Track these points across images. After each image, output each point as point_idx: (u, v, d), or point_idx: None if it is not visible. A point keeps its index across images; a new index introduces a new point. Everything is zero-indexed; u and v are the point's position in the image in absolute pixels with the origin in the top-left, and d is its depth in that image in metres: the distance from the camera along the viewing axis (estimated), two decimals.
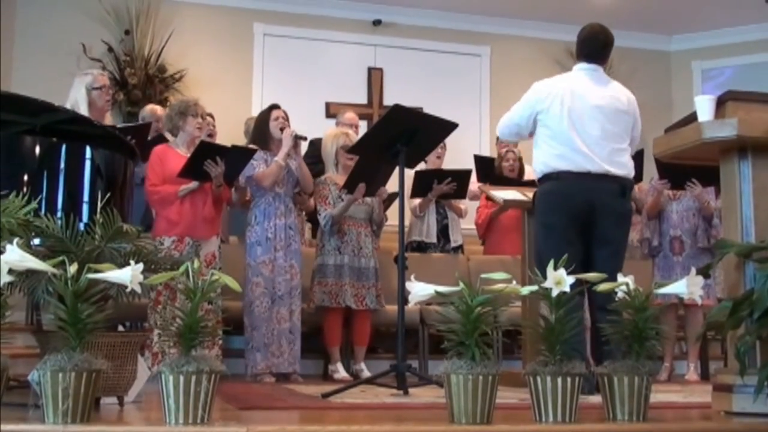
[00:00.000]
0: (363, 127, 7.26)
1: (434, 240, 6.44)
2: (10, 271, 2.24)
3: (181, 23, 7.75)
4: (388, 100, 7.91)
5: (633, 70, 8.51)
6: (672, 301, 5.25)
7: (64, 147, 3.40)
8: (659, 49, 9.04)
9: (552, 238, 3.95)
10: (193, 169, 4.82)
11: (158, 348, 4.60)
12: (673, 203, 5.70)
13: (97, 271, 2.32)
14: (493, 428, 2.33)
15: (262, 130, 5.29)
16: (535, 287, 2.48)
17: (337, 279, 5.29)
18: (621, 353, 2.57)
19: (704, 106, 2.86)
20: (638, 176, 5.08)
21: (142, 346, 4.43)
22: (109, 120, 5.05)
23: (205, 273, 2.42)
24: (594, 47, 4.22)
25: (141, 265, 2.34)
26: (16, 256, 2.25)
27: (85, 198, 3.38)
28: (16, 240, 2.30)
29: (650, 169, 5.70)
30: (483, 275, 2.47)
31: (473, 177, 6.54)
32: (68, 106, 4.63)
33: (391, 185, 5.51)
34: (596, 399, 2.78)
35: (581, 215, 3.96)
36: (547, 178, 4.05)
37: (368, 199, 5.42)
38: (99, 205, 3.11)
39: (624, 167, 4.04)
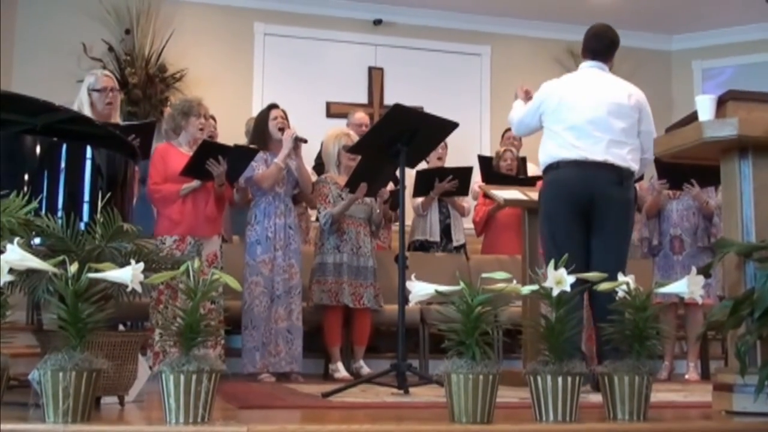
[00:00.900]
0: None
1: (437, 239, 6.44)
2: (11, 271, 2.24)
3: (181, 23, 7.75)
4: (389, 100, 7.91)
5: (634, 69, 8.47)
6: (672, 301, 5.25)
7: (64, 146, 3.40)
8: (660, 49, 9.04)
9: (555, 226, 4.07)
10: (196, 168, 4.82)
11: (160, 347, 4.60)
12: (673, 202, 5.70)
13: (97, 270, 2.32)
14: (493, 428, 2.33)
15: (261, 130, 5.29)
16: (535, 287, 2.48)
17: (336, 277, 5.30)
18: (621, 352, 2.57)
19: (705, 106, 2.86)
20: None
21: (143, 345, 4.43)
22: (116, 121, 4.99)
23: (207, 272, 2.42)
24: (600, 45, 4.34)
25: (141, 265, 2.34)
26: (16, 255, 2.25)
27: (86, 197, 3.38)
28: (16, 239, 2.30)
29: (652, 167, 5.70)
30: (483, 275, 2.47)
31: (477, 176, 6.55)
32: (75, 105, 4.63)
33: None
34: (597, 398, 2.77)
35: (582, 203, 4.05)
36: (549, 168, 4.17)
37: (367, 199, 5.43)
38: (99, 204, 3.10)
39: (623, 159, 4.10)
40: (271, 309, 5.02)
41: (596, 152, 4.04)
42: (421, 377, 4.14)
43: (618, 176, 4.07)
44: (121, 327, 5.19)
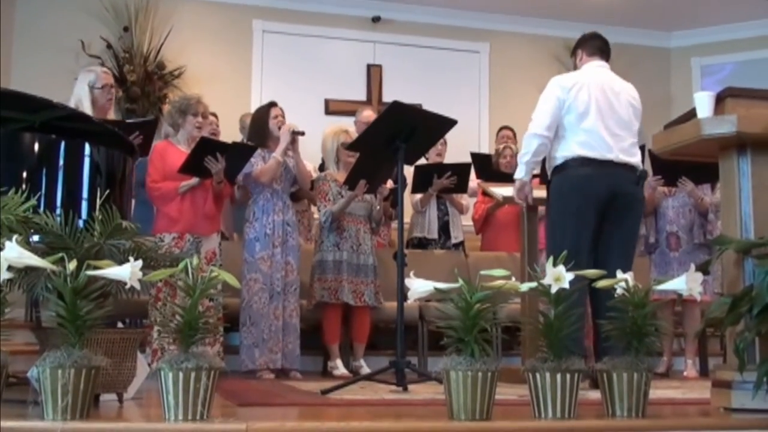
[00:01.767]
0: None
1: (435, 236, 6.45)
2: (9, 268, 2.25)
3: (180, 20, 7.74)
4: (387, 97, 7.90)
5: (632, 66, 8.47)
6: (671, 297, 5.25)
7: (63, 144, 3.40)
8: (659, 46, 9.03)
9: (572, 222, 4.03)
10: (194, 165, 4.82)
11: (158, 345, 4.60)
12: (669, 199, 5.72)
13: (96, 267, 2.32)
14: (492, 424, 2.33)
15: (260, 128, 5.29)
16: (534, 284, 2.48)
17: (336, 275, 5.30)
18: (620, 349, 2.57)
19: (704, 103, 2.86)
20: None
21: (142, 342, 4.44)
22: (112, 117, 5.02)
23: (206, 270, 2.42)
24: (602, 44, 4.37)
25: (140, 262, 2.34)
26: (15, 253, 2.25)
27: (84, 195, 3.38)
28: (15, 237, 2.30)
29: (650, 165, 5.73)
30: (482, 272, 2.48)
31: (472, 174, 6.54)
32: (72, 102, 4.64)
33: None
34: (595, 395, 2.78)
35: (602, 202, 4.04)
36: (569, 164, 4.10)
37: (367, 197, 5.43)
38: (98, 201, 3.10)
39: (638, 160, 4.18)
40: (269, 306, 5.02)
41: (618, 153, 4.06)
42: (420, 374, 4.14)
43: (636, 176, 4.13)
44: (119, 324, 5.19)
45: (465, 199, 6.60)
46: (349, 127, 5.89)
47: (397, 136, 4.05)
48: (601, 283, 2.60)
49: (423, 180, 6.25)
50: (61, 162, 3.38)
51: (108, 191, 3.31)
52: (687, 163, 5.06)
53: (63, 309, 2.24)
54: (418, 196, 6.40)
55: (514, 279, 2.52)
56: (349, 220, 5.39)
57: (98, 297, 2.33)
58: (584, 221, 4.02)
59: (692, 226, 5.64)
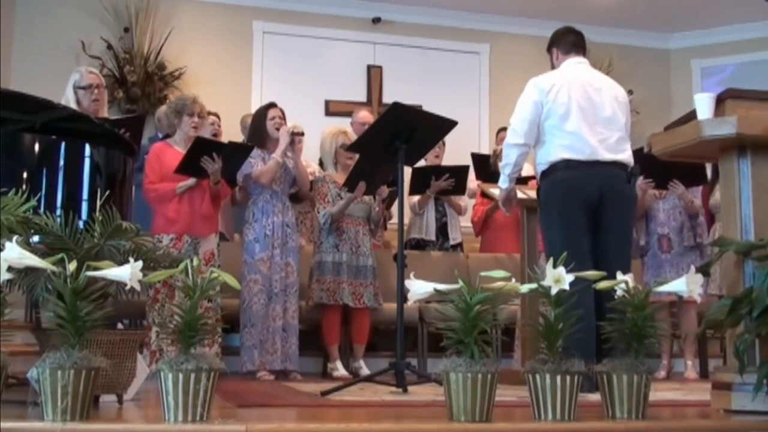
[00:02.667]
0: None
1: (433, 237, 6.45)
2: (10, 269, 2.24)
3: (180, 21, 7.74)
4: (388, 98, 7.90)
5: (632, 67, 8.52)
6: (670, 299, 5.25)
7: (63, 144, 3.40)
8: (659, 47, 9.03)
9: (565, 228, 3.97)
10: (190, 165, 4.81)
11: (156, 346, 4.60)
12: (660, 202, 5.74)
13: (96, 268, 2.32)
14: (492, 426, 2.33)
15: (258, 129, 5.29)
16: (534, 285, 2.48)
17: (336, 276, 5.30)
18: (620, 351, 2.57)
19: (704, 104, 2.86)
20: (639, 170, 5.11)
21: (140, 344, 4.43)
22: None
23: (204, 271, 2.42)
24: (576, 38, 4.30)
25: (140, 263, 2.34)
26: (15, 253, 2.25)
27: (85, 195, 3.38)
28: (15, 237, 2.30)
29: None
30: (482, 273, 2.47)
31: (472, 175, 6.54)
32: (62, 102, 4.62)
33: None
34: (595, 397, 2.77)
35: (592, 202, 3.99)
36: (555, 168, 4.05)
37: (366, 198, 5.43)
38: (98, 202, 3.10)
39: (629, 156, 4.10)
40: (268, 307, 5.02)
41: (605, 152, 4.00)
42: (420, 376, 4.14)
43: (627, 174, 4.07)
44: (119, 325, 5.19)
45: (463, 201, 6.60)
46: (348, 128, 5.88)
47: (397, 138, 4.05)
48: (602, 285, 2.60)
49: (420, 182, 6.25)
50: (62, 163, 3.38)
51: (108, 192, 3.31)
52: (677, 165, 5.09)
53: (63, 310, 2.24)
54: (416, 197, 6.40)
55: (513, 280, 2.52)
56: (348, 221, 5.39)
57: (98, 298, 2.33)
58: (577, 224, 3.96)
59: (682, 228, 5.66)
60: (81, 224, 2.92)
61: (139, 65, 7.46)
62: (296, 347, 5.10)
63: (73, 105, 4.67)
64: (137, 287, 2.37)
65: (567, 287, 2.41)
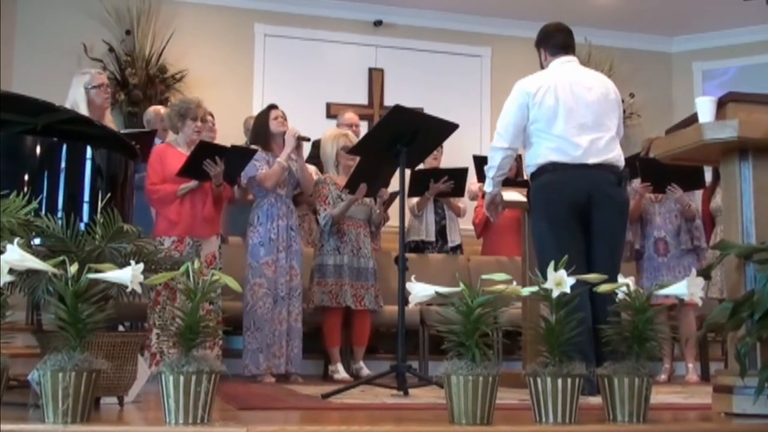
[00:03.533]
0: (364, 127, 7.27)
1: (433, 239, 6.45)
2: (11, 271, 2.24)
3: (182, 23, 7.75)
4: (389, 101, 7.91)
5: (634, 71, 8.52)
6: (671, 302, 5.25)
7: (64, 147, 3.41)
8: (660, 50, 9.04)
9: (553, 231, 3.94)
10: (192, 168, 4.82)
11: (157, 348, 4.59)
12: (656, 205, 5.74)
13: (97, 271, 2.32)
14: (493, 429, 2.33)
15: (261, 131, 5.29)
16: (535, 288, 2.48)
17: (337, 279, 5.30)
18: (621, 354, 2.57)
19: (705, 108, 2.86)
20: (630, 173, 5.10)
21: (141, 346, 4.43)
22: (109, 118, 5.04)
23: (206, 273, 2.42)
24: (564, 38, 4.25)
25: (141, 265, 2.34)
26: (16, 255, 2.25)
27: (86, 198, 3.38)
28: (16, 240, 2.30)
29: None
30: (483, 276, 2.47)
31: (473, 178, 6.54)
32: (68, 106, 4.63)
33: (392, 185, 5.52)
34: (596, 400, 2.77)
35: (580, 205, 3.94)
36: (543, 170, 4.02)
37: (367, 200, 5.43)
38: (99, 205, 3.10)
39: (618, 157, 4.05)
40: (274, 310, 5.01)
41: (594, 154, 3.95)
42: (421, 378, 4.14)
43: (617, 177, 4.01)
44: (120, 328, 5.19)
45: (462, 203, 6.60)
46: (348, 131, 5.88)
47: (398, 140, 4.05)
48: (603, 288, 2.60)
49: (419, 184, 6.26)
50: (63, 165, 3.38)
51: (109, 194, 3.31)
52: (675, 169, 5.09)
53: (64, 312, 2.24)
54: (415, 200, 6.40)
55: (515, 283, 2.52)
56: (350, 223, 5.39)
57: (99, 300, 2.33)
58: (564, 227, 3.92)
59: (679, 231, 5.66)
60: (82, 226, 2.92)
61: (140, 68, 7.46)
62: (299, 350, 5.09)
63: (83, 106, 4.71)
64: (138, 290, 2.37)
65: (568, 290, 2.41)
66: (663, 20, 8.57)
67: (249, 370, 4.95)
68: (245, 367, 4.95)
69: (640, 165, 5.58)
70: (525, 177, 6.50)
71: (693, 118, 2.96)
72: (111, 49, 7.50)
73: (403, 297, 3.78)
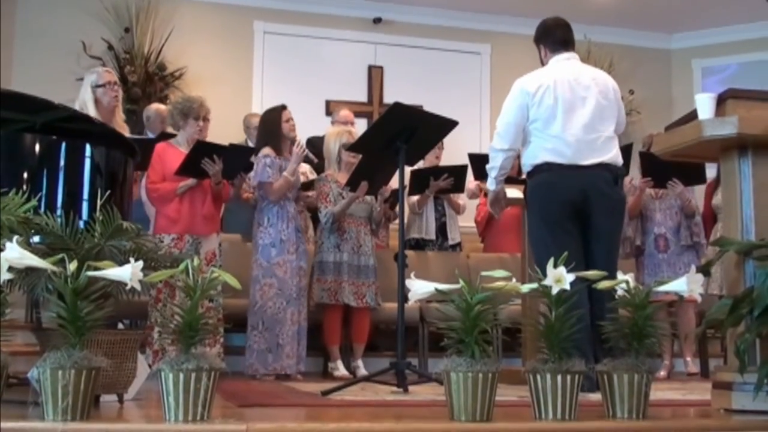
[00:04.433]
0: (363, 124, 7.27)
1: (433, 237, 6.45)
2: (10, 269, 2.24)
3: (181, 21, 7.74)
4: (389, 98, 7.90)
5: (633, 67, 8.52)
6: (671, 299, 5.25)
7: (63, 145, 3.40)
8: (660, 47, 9.04)
9: (549, 230, 3.93)
10: (191, 167, 4.82)
11: (159, 345, 4.60)
12: (656, 201, 5.74)
13: (96, 268, 2.32)
14: (492, 426, 2.33)
15: (272, 130, 5.22)
16: (534, 285, 2.48)
17: (337, 276, 5.30)
18: (620, 351, 2.57)
19: (704, 104, 2.85)
20: (626, 170, 5.10)
21: (142, 343, 4.44)
22: (121, 117, 4.97)
23: (206, 270, 2.42)
24: (564, 34, 4.20)
25: (141, 263, 2.34)
26: (15, 253, 2.25)
27: (85, 195, 3.38)
28: (15, 237, 2.30)
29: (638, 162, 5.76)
30: (483, 273, 2.47)
31: (471, 176, 6.54)
32: (77, 106, 4.63)
33: (394, 183, 5.52)
34: (596, 397, 2.77)
35: (576, 205, 3.93)
36: (538, 170, 4.01)
37: (368, 198, 5.43)
38: (99, 202, 3.10)
39: (616, 156, 4.03)
40: (286, 311, 5.00)
41: (590, 154, 3.93)
42: (421, 375, 4.14)
43: (613, 176, 4.00)
44: (120, 325, 5.18)
45: (462, 199, 6.60)
46: (350, 128, 5.88)
47: (398, 138, 4.06)
48: (603, 285, 2.60)
49: (419, 182, 6.26)
50: (62, 163, 3.38)
51: (109, 192, 3.31)
52: (676, 164, 5.09)
53: (63, 310, 2.24)
54: (415, 197, 6.40)
55: (514, 280, 2.52)
56: (350, 221, 5.39)
57: (99, 298, 2.33)
58: (559, 225, 3.91)
59: (679, 227, 5.67)
60: (81, 224, 2.92)
61: (139, 65, 7.46)
62: (305, 349, 5.10)
63: (91, 105, 4.69)
64: (138, 287, 2.37)
65: (568, 287, 2.41)
66: (662, 17, 8.57)
67: (255, 369, 4.93)
68: (250, 366, 4.94)
69: (641, 160, 5.58)
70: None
71: (693, 115, 2.96)
72: (110, 47, 7.50)
73: (403, 294, 3.78)
